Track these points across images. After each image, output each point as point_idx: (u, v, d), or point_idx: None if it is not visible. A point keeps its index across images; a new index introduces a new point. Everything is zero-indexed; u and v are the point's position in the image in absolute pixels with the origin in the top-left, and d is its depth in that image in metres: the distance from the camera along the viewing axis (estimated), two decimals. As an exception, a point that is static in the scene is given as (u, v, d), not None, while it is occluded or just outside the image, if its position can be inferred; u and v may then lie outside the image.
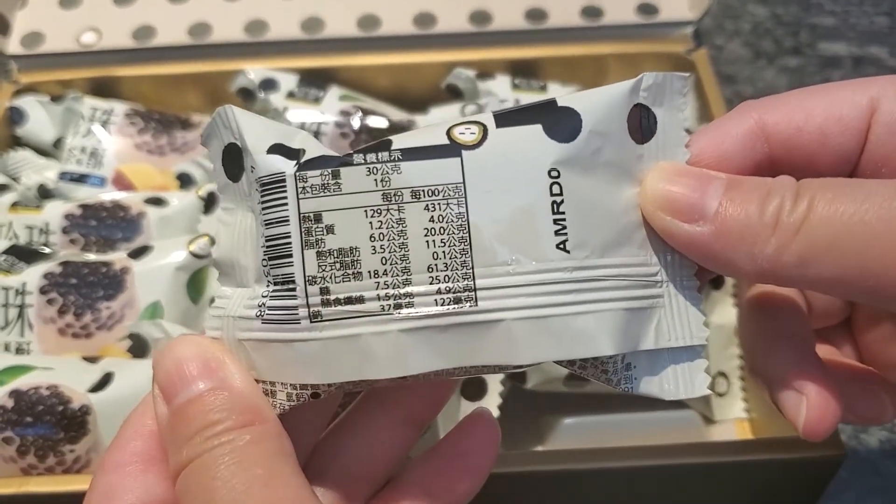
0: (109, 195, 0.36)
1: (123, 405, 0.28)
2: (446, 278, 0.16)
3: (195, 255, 0.31)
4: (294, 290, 0.16)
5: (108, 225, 0.34)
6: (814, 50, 0.47)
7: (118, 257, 0.31)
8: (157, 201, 0.34)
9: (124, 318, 0.31)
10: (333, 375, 0.16)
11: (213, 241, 0.31)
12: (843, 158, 0.18)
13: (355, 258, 0.16)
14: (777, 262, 0.16)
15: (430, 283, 0.16)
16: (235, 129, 0.17)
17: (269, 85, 0.38)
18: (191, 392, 0.18)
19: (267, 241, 0.17)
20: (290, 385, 0.17)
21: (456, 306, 0.16)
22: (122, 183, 0.37)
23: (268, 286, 0.17)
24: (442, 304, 0.16)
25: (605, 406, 0.31)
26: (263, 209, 0.17)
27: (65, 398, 0.28)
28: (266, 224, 0.17)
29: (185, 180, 0.36)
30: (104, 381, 0.28)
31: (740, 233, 0.17)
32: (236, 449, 0.18)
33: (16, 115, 0.39)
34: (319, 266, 0.16)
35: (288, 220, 0.16)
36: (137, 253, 0.31)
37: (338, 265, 0.16)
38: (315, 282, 0.16)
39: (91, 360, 0.29)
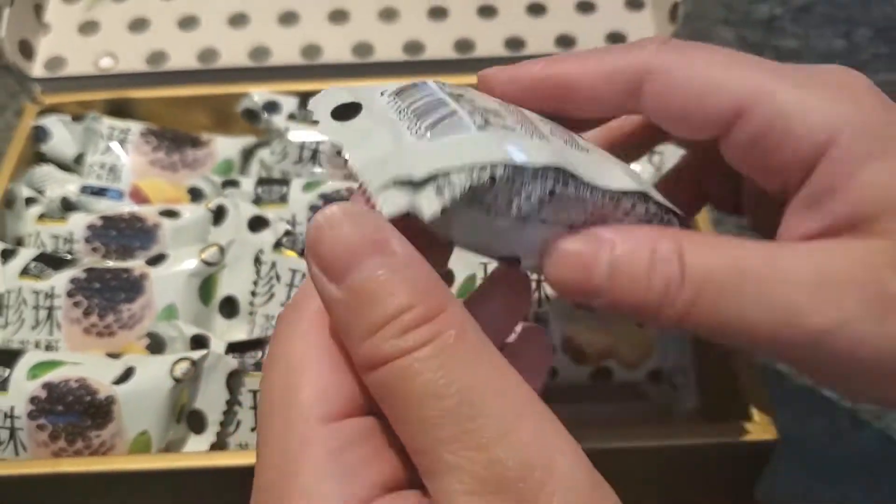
0: (127, 207, 0.39)
1: (144, 396, 0.31)
2: None
3: (206, 263, 0.34)
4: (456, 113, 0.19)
5: (126, 235, 0.37)
6: (776, 71, 0.50)
7: (137, 264, 0.35)
8: (170, 213, 0.37)
9: (143, 319, 0.34)
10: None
11: (221, 251, 0.35)
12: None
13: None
14: (678, 322, 0.20)
15: None
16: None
17: (271, 107, 0.41)
18: (365, 270, 0.17)
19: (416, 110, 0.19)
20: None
21: None
22: (138, 196, 0.40)
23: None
24: None
25: (574, 398, 0.35)
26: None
27: (92, 389, 0.31)
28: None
29: (195, 194, 0.39)
30: (126, 375, 0.31)
31: (635, 307, 0.20)
32: (445, 350, 0.16)
33: (40, 134, 0.42)
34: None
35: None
36: (154, 261, 0.35)
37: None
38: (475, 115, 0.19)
39: (114, 356, 0.33)
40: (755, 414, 0.30)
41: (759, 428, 0.29)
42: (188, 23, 0.46)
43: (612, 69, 0.23)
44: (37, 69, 0.45)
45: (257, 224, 0.35)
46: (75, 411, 0.30)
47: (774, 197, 0.22)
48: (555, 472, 0.16)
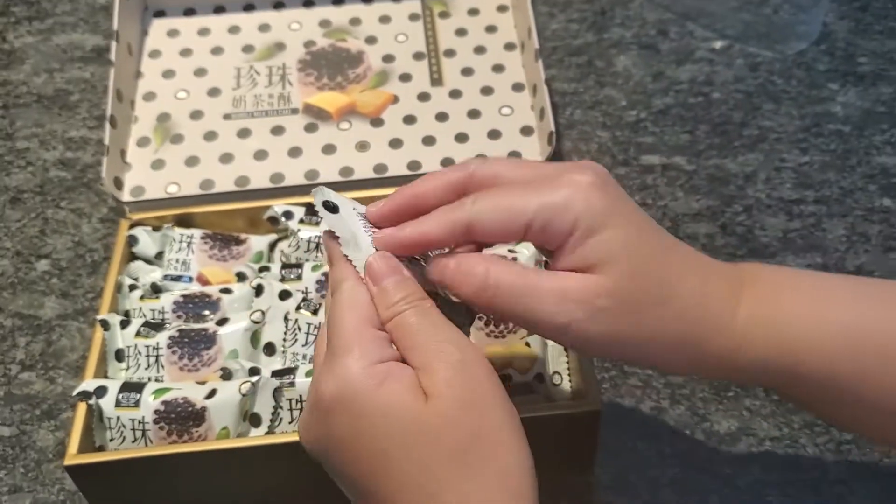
0: (197, 288, 0.54)
1: (223, 405, 0.47)
2: None
3: (254, 322, 0.51)
4: None
5: (199, 306, 0.53)
6: (637, 161, 0.65)
7: (209, 325, 0.52)
8: (226, 290, 0.53)
9: (217, 360, 0.50)
10: None
11: (262, 314, 0.52)
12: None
13: None
14: (488, 309, 0.37)
15: None
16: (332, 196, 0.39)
17: (287, 215, 0.56)
18: (392, 278, 0.35)
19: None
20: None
21: None
22: (202, 280, 0.54)
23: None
24: None
25: None
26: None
27: (191, 403, 0.48)
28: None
29: (241, 276, 0.54)
30: (212, 393, 0.48)
31: (465, 296, 0.37)
32: (423, 310, 0.34)
33: (132, 240, 0.55)
34: None
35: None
36: (220, 322, 0.52)
37: None
38: None
39: (201, 383, 0.50)
40: (587, 394, 0.47)
41: (587, 403, 0.47)
42: (227, 159, 0.62)
43: (447, 183, 0.37)
44: (125, 196, 0.59)
45: (284, 295, 0.52)
46: (182, 417, 0.48)
47: (550, 250, 0.37)
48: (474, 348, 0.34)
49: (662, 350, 0.37)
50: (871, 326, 0.36)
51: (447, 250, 0.38)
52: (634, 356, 0.38)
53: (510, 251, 0.56)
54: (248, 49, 0.69)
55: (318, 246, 0.56)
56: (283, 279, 0.54)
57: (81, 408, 0.48)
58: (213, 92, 0.66)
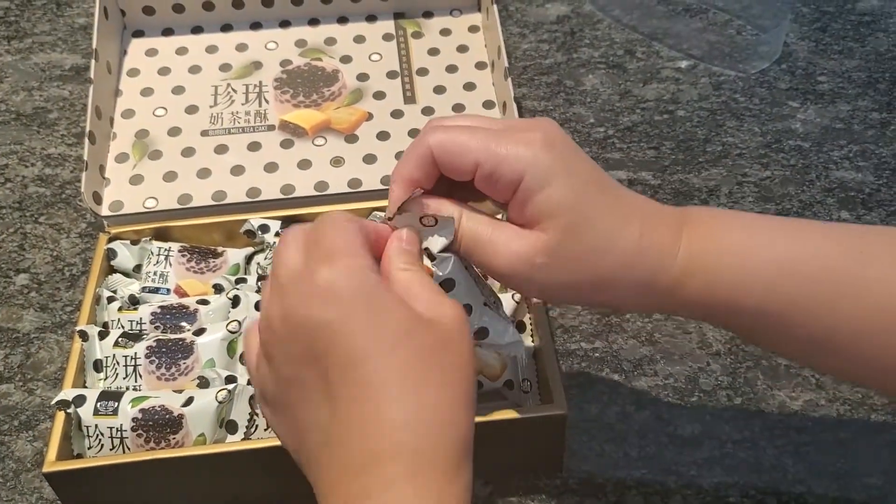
0: (174, 300, 0.56)
1: (200, 413, 0.48)
2: None
3: (230, 332, 0.53)
4: None
5: (177, 317, 0.54)
6: (606, 177, 0.70)
7: (187, 335, 0.54)
8: (203, 302, 0.55)
9: (194, 369, 0.52)
10: None
11: (239, 324, 0.54)
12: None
13: None
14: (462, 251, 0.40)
15: None
16: None
17: (263, 228, 0.58)
18: (414, 245, 0.37)
19: None
20: None
21: None
22: (180, 292, 0.56)
23: None
24: None
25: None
26: None
27: (168, 411, 0.49)
28: None
29: (218, 289, 0.56)
30: (189, 401, 0.50)
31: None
32: (419, 273, 0.36)
33: (111, 254, 0.57)
34: None
35: None
36: (197, 333, 0.53)
37: None
38: None
39: (178, 391, 0.51)
40: (555, 400, 0.49)
41: (555, 408, 0.49)
42: (204, 174, 0.63)
43: (416, 157, 0.38)
44: (104, 210, 0.60)
45: (259, 306, 0.55)
46: (159, 424, 0.49)
47: (505, 204, 0.39)
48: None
49: (607, 293, 0.39)
50: (803, 259, 0.38)
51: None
52: (583, 300, 0.42)
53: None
54: (225, 68, 0.71)
55: (293, 258, 0.57)
56: (259, 291, 0.56)
57: (60, 417, 0.49)
58: (191, 109, 0.68)
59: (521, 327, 0.55)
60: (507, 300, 0.54)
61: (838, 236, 0.39)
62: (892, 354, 0.37)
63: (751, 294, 0.38)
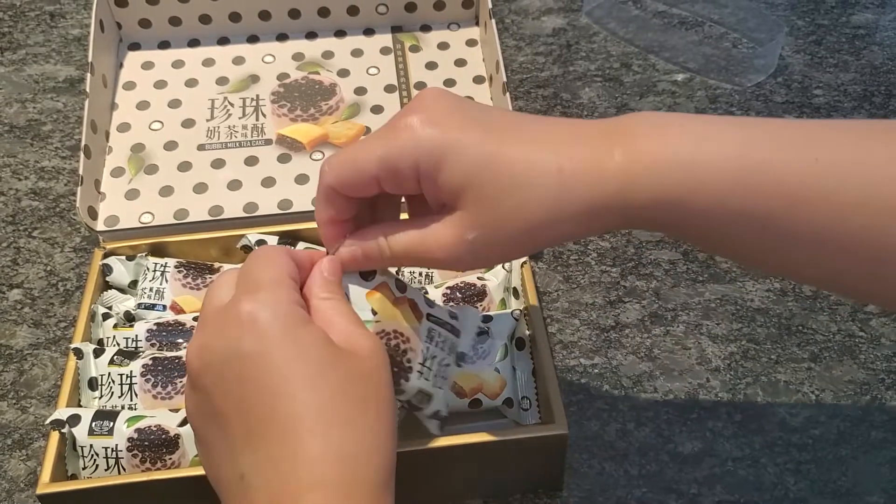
0: (171, 316, 0.55)
1: None
2: None
3: None
4: None
5: (173, 334, 0.54)
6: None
7: (183, 353, 0.54)
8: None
9: None
10: None
11: None
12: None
13: None
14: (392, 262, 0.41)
15: None
16: None
17: (260, 244, 0.56)
18: (333, 276, 0.39)
19: None
20: None
21: None
22: (176, 308, 0.55)
23: None
24: None
25: (460, 420, 0.53)
26: None
27: (165, 430, 0.49)
28: None
29: None
30: (185, 421, 0.49)
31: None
32: (338, 302, 0.38)
33: (106, 269, 0.56)
34: None
35: None
36: None
37: None
38: None
39: (175, 410, 0.51)
40: (555, 418, 0.49)
41: (555, 427, 0.48)
42: (200, 188, 0.63)
43: (324, 200, 0.40)
44: (100, 225, 0.59)
45: None
46: (155, 444, 0.48)
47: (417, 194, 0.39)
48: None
49: (550, 233, 0.38)
50: (758, 162, 0.35)
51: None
52: (534, 248, 0.40)
53: (479, 278, 0.57)
54: (222, 81, 0.70)
55: (291, 274, 0.57)
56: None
57: (54, 436, 0.48)
58: (188, 123, 0.67)
59: (520, 344, 0.54)
60: (506, 318, 0.53)
61: (790, 137, 0.36)
62: (852, 258, 0.35)
63: (706, 202, 0.35)
